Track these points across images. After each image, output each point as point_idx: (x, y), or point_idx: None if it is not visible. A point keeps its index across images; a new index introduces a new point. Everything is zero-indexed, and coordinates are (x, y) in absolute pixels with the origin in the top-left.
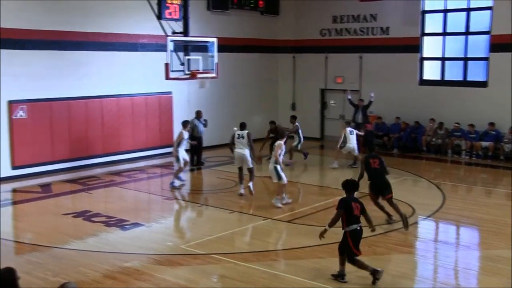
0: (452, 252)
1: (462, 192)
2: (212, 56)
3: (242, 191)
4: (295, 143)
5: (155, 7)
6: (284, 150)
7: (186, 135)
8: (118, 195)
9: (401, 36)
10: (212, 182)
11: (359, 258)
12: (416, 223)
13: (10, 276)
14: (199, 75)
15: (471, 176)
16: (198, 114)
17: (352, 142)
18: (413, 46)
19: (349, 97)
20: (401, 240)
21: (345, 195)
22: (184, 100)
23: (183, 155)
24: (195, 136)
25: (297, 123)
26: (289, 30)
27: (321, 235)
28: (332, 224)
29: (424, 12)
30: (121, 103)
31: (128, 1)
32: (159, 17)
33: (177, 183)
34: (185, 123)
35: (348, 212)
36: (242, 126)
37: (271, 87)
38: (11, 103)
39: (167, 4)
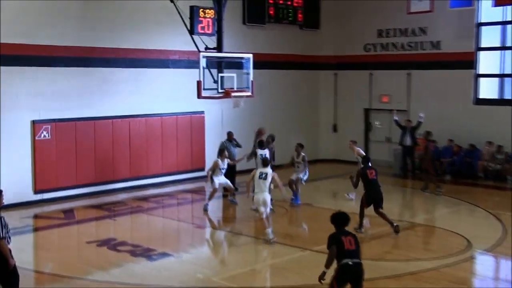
0: None
1: None
2: (248, 73)
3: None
4: (301, 175)
5: (187, 22)
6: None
7: (222, 164)
8: (145, 223)
9: (454, 51)
10: (246, 209)
11: None
12: (472, 258)
13: None
14: (233, 94)
15: None
16: (230, 136)
17: None
18: (467, 61)
19: (396, 117)
20: (456, 277)
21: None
22: (217, 120)
23: (220, 181)
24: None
25: (303, 153)
26: (331, 45)
27: (320, 278)
28: (328, 264)
29: (480, 24)
30: (150, 123)
31: (158, 15)
32: (192, 32)
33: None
34: (221, 152)
35: (339, 247)
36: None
37: (311, 106)
38: (34, 123)
39: (200, 18)
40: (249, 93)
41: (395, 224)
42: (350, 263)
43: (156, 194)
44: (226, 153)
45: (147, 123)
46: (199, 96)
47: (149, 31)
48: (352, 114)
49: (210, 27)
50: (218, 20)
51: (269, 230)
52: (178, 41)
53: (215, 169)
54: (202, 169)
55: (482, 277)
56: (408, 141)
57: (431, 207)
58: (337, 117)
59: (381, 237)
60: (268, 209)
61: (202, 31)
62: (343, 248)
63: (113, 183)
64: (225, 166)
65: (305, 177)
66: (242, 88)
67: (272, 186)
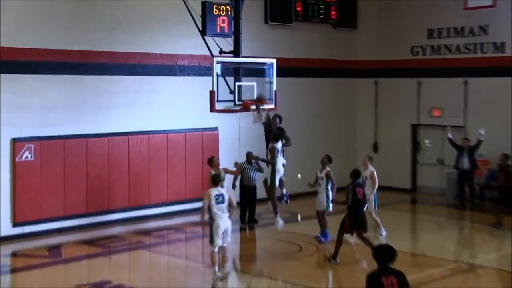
0: None
1: None
2: (271, 82)
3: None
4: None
5: (198, 21)
6: None
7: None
8: (146, 261)
9: None
10: (269, 246)
11: None
12: None
13: None
14: (253, 106)
15: None
16: (249, 157)
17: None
18: None
19: (450, 135)
20: None
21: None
22: (234, 138)
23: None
24: (245, 185)
25: (328, 168)
26: (371, 48)
27: None
28: None
29: None
30: (153, 141)
31: (163, 13)
32: (203, 32)
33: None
34: (214, 179)
35: None
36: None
37: (346, 122)
38: (15, 141)
39: (214, 17)
40: (272, 106)
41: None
42: None
43: (160, 227)
44: (223, 172)
45: (149, 142)
46: (212, 109)
47: (152, 32)
48: (397, 130)
49: (226, 27)
50: (235, 19)
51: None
52: (188, 43)
53: (208, 204)
54: None
55: None
56: (465, 163)
57: (496, 246)
58: (378, 135)
59: (432, 281)
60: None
61: (216, 32)
62: None
63: (108, 213)
64: (226, 197)
65: (330, 199)
66: (264, 99)
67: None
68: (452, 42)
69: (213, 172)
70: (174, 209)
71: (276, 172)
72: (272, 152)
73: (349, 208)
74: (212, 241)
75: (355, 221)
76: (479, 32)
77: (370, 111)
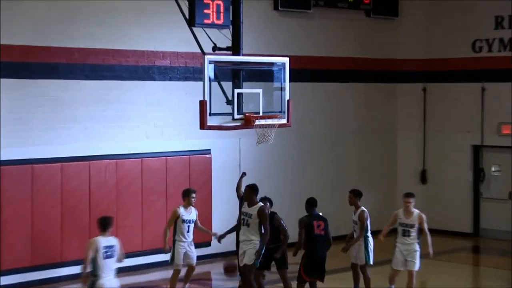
0: None
1: None
2: (282, 89)
3: None
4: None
5: (185, 7)
6: None
7: (186, 214)
8: None
9: None
10: None
11: None
12: None
13: None
14: (258, 122)
15: None
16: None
17: None
18: None
19: None
20: None
21: None
22: (233, 163)
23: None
24: None
25: (363, 208)
26: (417, 43)
27: None
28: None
29: None
30: (123, 169)
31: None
32: (192, 23)
33: None
34: (186, 194)
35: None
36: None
37: (384, 142)
38: None
39: (205, 2)
40: (284, 121)
41: None
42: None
43: (131, 285)
44: (194, 195)
45: (118, 169)
46: (203, 125)
47: (124, 23)
48: (452, 154)
49: (222, 16)
50: (235, 4)
51: None
52: (170, 37)
53: (175, 224)
54: (208, 244)
55: None
56: None
57: None
58: (427, 160)
59: None
60: None
61: (208, 22)
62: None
63: (59, 267)
64: (193, 218)
65: (370, 253)
66: (273, 112)
67: None
68: None
69: (180, 210)
70: (151, 260)
71: None
72: None
73: (307, 247)
74: None
75: (312, 263)
76: None
77: (416, 127)
